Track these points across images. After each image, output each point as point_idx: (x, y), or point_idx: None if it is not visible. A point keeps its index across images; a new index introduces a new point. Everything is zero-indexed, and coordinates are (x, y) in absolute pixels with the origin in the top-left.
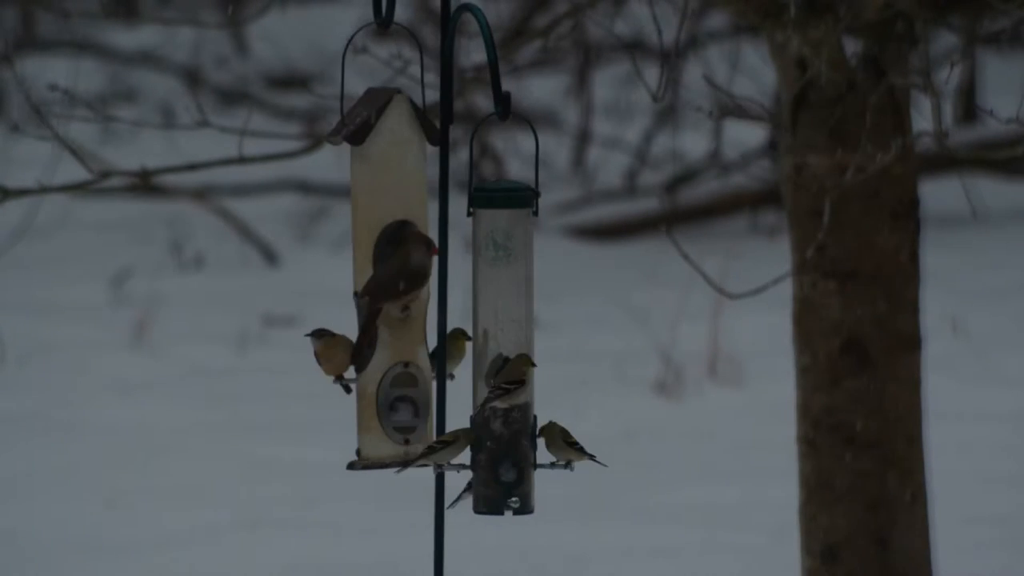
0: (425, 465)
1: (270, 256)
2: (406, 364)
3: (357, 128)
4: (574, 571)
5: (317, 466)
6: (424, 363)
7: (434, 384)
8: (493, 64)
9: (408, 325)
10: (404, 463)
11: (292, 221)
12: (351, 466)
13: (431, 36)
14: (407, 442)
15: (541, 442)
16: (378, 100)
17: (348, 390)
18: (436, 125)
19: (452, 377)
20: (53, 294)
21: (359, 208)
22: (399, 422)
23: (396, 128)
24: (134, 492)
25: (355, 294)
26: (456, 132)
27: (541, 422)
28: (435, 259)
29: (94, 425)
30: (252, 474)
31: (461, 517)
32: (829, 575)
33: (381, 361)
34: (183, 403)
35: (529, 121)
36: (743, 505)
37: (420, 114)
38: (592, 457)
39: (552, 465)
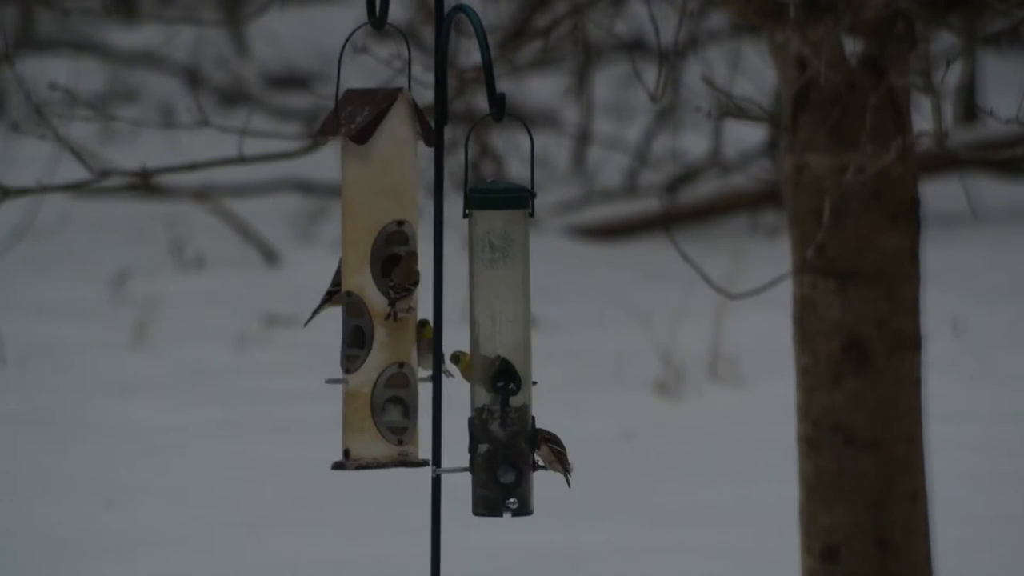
0: (424, 464)
1: (270, 256)
2: (401, 364)
3: (361, 127)
4: (573, 571)
5: (316, 466)
6: (415, 363)
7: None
8: (487, 66)
9: (404, 325)
10: (401, 463)
11: (292, 221)
12: (340, 467)
13: (430, 36)
14: (400, 442)
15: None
16: (379, 99)
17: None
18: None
19: (450, 375)
20: (53, 294)
21: (355, 207)
22: (390, 422)
23: (398, 128)
24: (134, 492)
25: (347, 293)
26: (455, 132)
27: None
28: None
29: (94, 425)
30: (251, 474)
31: (459, 518)
32: (829, 575)
33: (378, 361)
34: (183, 403)
35: (524, 122)
36: (743, 505)
37: (420, 114)
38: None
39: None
